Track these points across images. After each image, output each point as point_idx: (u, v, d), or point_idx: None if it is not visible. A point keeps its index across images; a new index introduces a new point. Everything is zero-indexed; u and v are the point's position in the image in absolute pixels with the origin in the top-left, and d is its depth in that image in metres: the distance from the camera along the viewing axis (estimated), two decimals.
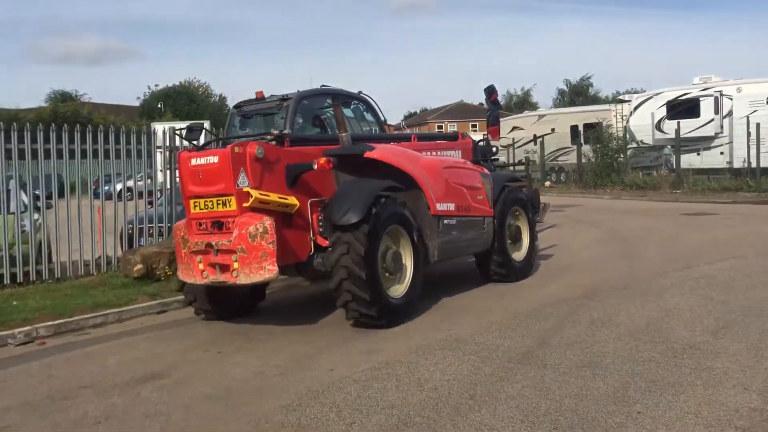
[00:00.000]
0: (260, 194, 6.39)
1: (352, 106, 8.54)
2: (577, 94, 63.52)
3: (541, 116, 34.68)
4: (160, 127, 12.03)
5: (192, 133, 7.42)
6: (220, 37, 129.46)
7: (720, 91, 23.38)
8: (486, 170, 9.05)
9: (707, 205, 18.18)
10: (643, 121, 25.65)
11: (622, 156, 25.76)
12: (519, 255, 9.12)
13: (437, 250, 7.77)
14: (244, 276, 6.46)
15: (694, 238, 12.01)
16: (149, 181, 11.33)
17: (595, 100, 56.64)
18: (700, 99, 23.73)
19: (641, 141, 25.96)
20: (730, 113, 22.97)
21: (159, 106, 55.90)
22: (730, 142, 22.88)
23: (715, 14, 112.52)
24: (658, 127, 24.96)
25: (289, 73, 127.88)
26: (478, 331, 6.51)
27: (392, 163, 7.44)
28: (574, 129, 30.19)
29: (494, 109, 11.21)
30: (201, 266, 6.76)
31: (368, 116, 8.74)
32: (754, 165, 20.66)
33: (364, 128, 8.59)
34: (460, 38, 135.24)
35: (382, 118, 8.93)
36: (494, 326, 6.65)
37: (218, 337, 6.98)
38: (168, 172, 11.14)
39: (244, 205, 6.40)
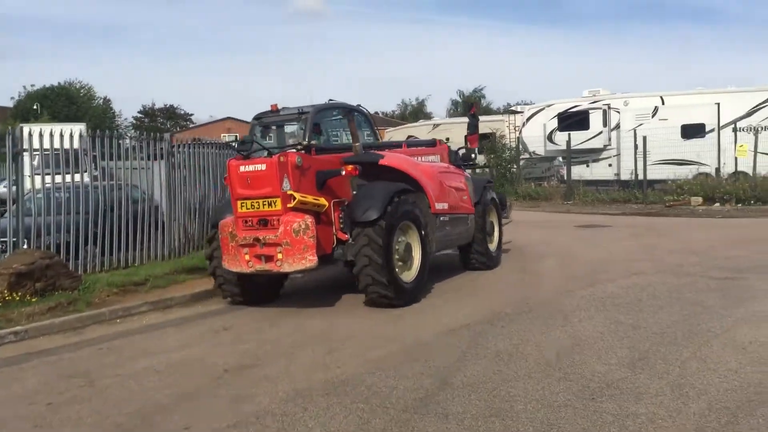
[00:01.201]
0: (301, 196, 7.56)
1: (359, 118, 9.64)
2: (471, 105, 64.51)
3: (436, 125, 34.49)
4: (36, 129, 10.52)
5: (244, 144, 8.29)
6: (108, 37, 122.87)
7: (608, 104, 23.88)
8: (467, 174, 10.44)
9: (598, 216, 18.26)
10: (535, 132, 25.84)
11: (515, 166, 25.82)
12: (493, 246, 10.59)
13: (435, 243, 8.99)
14: (288, 265, 7.61)
15: (592, 252, 11.69)
16: (13, 188, 9.73)
17: (488, 111, 57.66)
18: (590, 111, 24.15)
19: (533, 152, 26.15)
20: (617, 126, 23.46)
21: (35, 107, 51.68)
22: (618, 155, 23.36)
23: (601, 32, 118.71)
24: (549, 138, 25.20)
25: (178, 76, 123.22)
26: (369, 368, 5.57)
27: (401, 169, 8.74)
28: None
29: (473, 120, 12.03)
30: (247, 257, 7.82)
31: (365, 126, 9.78)
32: (641, 177, 21.09)
33: (363, 137, 9.54)
34: (355, 47, 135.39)
35: (375, 128, 10.19)
36: (388, 362, 5.74)
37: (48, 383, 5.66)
38: (37, 177, 9.71)
39: (288, 205, 7.55)
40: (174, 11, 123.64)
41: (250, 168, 7.73)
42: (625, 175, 22.58)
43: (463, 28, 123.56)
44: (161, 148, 11.79)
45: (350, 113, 9.36)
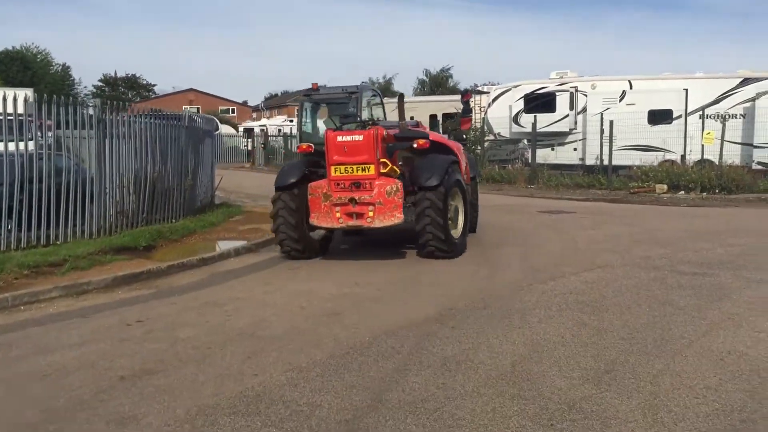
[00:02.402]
0: (390, 164, 9.06)
1: (377, 99, 11.49)
2: (438, 85, 63.72)
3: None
4: None
5: (347, 118, 9.65)
6: (70, 2, 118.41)
7: (575, 87, 23.25)
8: (462, 150, 11.17)
9: (562, 202, 17.66)
10: (501, 114, 25.11)
11: (479, 148, 25.06)
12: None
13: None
14: (379, 221, 8.97)
15: (555, 241, 10.99)
16: None
17: (455, 91, 56.86)
18: (557, 94, 23.50)
19: (498, 134, 25.45)
20: (584, 110, 22.87)
21: None
22: (584, 139, 22.81)
23: (571, 15, 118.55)
24: (515, 120, 24.50)
25: (142, 46, 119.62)
26: (291, 378, 4.73)
27: (446, 144, 10.30)
28: (433, 118, 29.11)
29: (467, 106, 13.19)
30: (338, 215, 9.10)
31: (380, 106, 11.40)
32: (606, 162, 20.52)
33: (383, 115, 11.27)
34: (322, 23, 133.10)
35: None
36: (316, 370, 4.90)
37: None
38: None
39: (382, 171, 9.01)
40: None
41: (348, 138, 9.05)
42: (591, 160, 22.01)
43: (432, 7, 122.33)
44: (90, 116, 10.70)
45: (376, 92, 11.50)
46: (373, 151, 8.95)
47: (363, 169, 9.01)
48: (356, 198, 9.02)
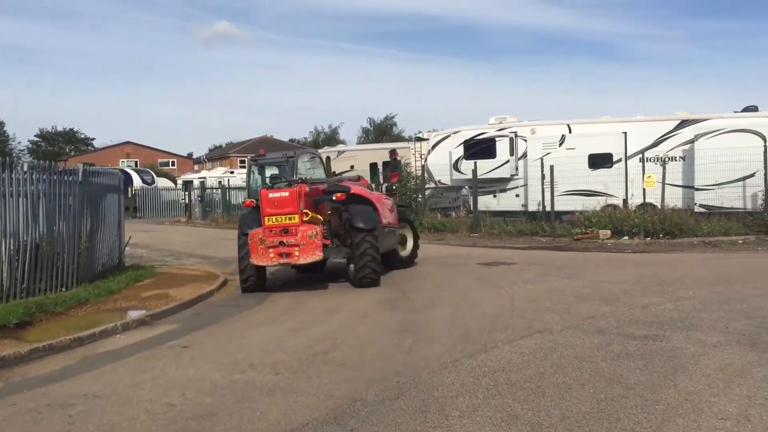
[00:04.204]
0: (311, 214, 11.18)
1: (315, 159, 13.29)
2: (382, 133, 63.54)
3: (340, 152, 32.66)
4: None
5: (275, 179, 12.00)
6: (6, 58, 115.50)
7: (515, 132, 22.70)
8: (383, 201, 12.98)
9: (504, 251, 16.72)
10: (441, 160, 24.41)
11: (420, 196, 24.16)
12: (404, 251, 13.99)
13: (381, 246, 11.83)
14: (303, 258, 11.08)
15: (491, 299, 9.91)
16: None
17: (400, 139, 56.63)
18: (496, 139, 22.91)
19: (439, 181, 24.68)
20: (524, 155, 22.30)
21: None
22: (525, 185, 22.18)
23: (511, 64, 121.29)
24: (455, 166, 23.78)
25: (81, 100, 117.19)
26: None
27: (365, 196, 12.30)
28: (373, 166, 28.33)
29: (394, 162, 15.23)
30: (272, 255, 11.10)
31: (320, 166, 13.22)
32: (548, 208, 19.82)
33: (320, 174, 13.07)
34: (269, 74, 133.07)
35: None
36: None
37: None
38: None
39: (304, 219, 11.08)
40: (80, 34, 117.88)
41: (277, 195, 11.18)
42: (533, 206, 21.27)
43: (376, 57, 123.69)
44: None
45: (313, 155, 13.59)
46: (296, 204, 11.06)
47: (289, 218, 11.07)
48: (284, 241, 11.04)
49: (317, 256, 11.03)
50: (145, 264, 14.84)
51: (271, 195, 11.15)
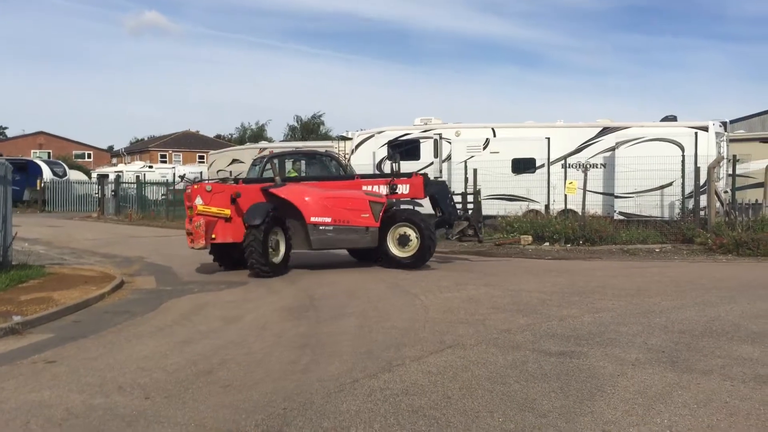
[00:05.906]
0: (203, 207, 12.79)
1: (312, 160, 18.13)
2: (309, 131, 62.48)
3: (263, 149, 31.60)
4: None
5: (225, 180, 14.76)
6: None
7: (440, 134, 22.24)
8: (379, 199, 13.77)
9: None
10: (364, 161, 23.63)
11: None
12: (403, 252, 13.79)
13: (313, 243, 13.28)
14: (195, 244, 12.82)
15: (404, 309, 9.29)
16: None
17: (327, 137, 55.71)
18: (421, 141, 22.40)
19: None
20: (449, 157, 21.89)
21: None
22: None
23: (437, 67, 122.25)
24: (379, 168, 23.11)
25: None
26: None
27: (279, 195, 13.40)
28: None
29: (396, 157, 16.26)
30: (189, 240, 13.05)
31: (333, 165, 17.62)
32: (471, 212, 19.41)
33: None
34: (197, 67, 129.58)
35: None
36: None
37: None
38: None
39: (196, 212, 12.79)
40: None
41: (189, 190, 13.18)
42: None
43: (306, 56, 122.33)
44: None
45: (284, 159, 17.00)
46: (194, 199, 12.81)
47: (191, 210, 12.93)
48: (187, 228, 12.99)
49: (200, 244, 12.71)
50: (36, 263, 13.54)
51: (188, 190, 13.37)
